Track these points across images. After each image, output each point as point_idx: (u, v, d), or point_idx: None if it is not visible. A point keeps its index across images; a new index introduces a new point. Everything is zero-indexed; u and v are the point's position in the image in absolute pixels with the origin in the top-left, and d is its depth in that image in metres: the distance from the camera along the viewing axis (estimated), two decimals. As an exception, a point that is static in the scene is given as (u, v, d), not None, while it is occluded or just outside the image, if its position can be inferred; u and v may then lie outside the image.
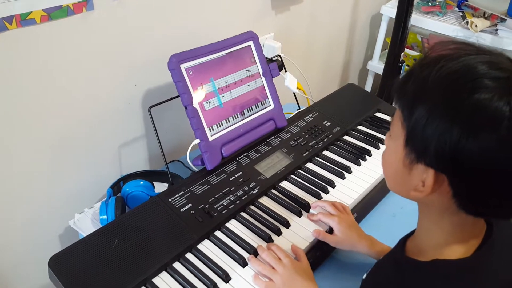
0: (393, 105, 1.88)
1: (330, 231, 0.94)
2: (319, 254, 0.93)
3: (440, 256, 0.58)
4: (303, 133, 1.20)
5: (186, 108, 1.00)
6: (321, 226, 0.95)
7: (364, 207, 1.06)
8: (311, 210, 0.98)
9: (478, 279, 0.57)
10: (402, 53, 1.77)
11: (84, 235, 0.88)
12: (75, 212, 1.05)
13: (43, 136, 1.00)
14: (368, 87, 2.29)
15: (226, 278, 0.82)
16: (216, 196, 0.97)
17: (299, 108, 1.36)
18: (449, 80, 0.50)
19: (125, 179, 1.11)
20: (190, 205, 0.93)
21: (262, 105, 1.16)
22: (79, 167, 1.11)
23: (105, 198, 1.03)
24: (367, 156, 1.18)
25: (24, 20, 0.85)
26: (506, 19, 1.77)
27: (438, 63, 0.52)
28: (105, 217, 0.96)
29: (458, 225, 0.58)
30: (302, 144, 1.17)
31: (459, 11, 1.94)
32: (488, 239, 0.60)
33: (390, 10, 1.96)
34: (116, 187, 1.10)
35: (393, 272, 0.65)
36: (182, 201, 0.94)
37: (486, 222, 0.62)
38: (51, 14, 0.89)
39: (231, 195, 0.98)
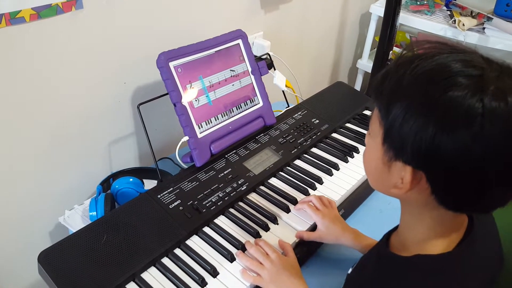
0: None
1: (315, 227, 0.95)
2: (306, 249, 0.94)
3: (422, 251, 0.60)
4: (291, 131, 1.21)
5: (175, 105, 1.01)
6: (309, 218, 0.97)
7: (351, 204, 1.07)
8: (297, 206, 1.00)
9: (459, 273, 0.59)
10: (391, 52, 1.79)
11: (74, 231, 0.89)
12: (65, 209, 1.06)
13: (33, 133, 1.01)
14: (358, 86, 2.31)
15: (214, 273, 0.83)
16: (205, 193, 0.98)
17: (288, 106, 1.37)
18: (424, 78, 0.51)
19: (115, 176, 1.12)
20: (179, 201, 0.94)
21: (251, 102, 1.17)
22: (69, 165, 1.12)
23: (95, 195, 1.04)
24: (354, 153, 1.19)
25: (13, 18, 0.86)
26: (492, 18, 1.79)
27: (413, 63, 0.53)
28: (94, 213, 0.97)
29: (438, 220, 0.60)
30: (290, 141, 1.18)
31: (447, 10, 1.96)
32: (469, 233, 0.61)
33: (379, 9, 1.98)
34: (106, 184, 1.11)
35: (376, 267, 0.66)
36: (171, 198, 0.95)
37: (467, 216, 0.63)
38: (40, 12, 0.89)
39: (219, 192, 0.99)
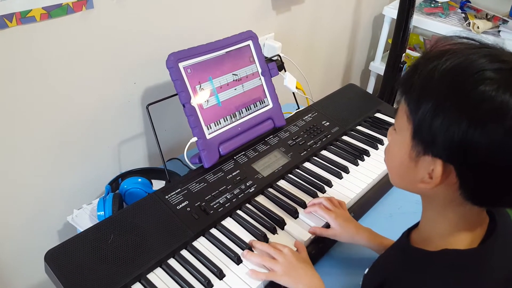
0: (394, 104, 1.88)
1: (327, 226, 0.94)
2: (322, 245, 0.94)
3: (447, 245, 0.60)
4: (301, 133, 1.20)
5: (184, 106, 1.01)
6: (318, 222, 0.96)
7: (361, 207, 1.06)
8: (307, 208, 0.99)
9: (485, 269, 0.59)
10: (404, 54, 1.77)
11: (82, 230, 0.89)
12: (74, 208, 1.06)
13: (43, 132, 1.01)
14: (370, 88, 2.29)
15: (220, 275, 0.83)
16: (212, 194, 0.97)
17: (298, 108, 1.36)
18: (454, 73, 0.52)
19: (124, 176, 1.12)
20: (186, 202, 0.94)
21: (260, 104, 1.16)
22: (79, 164, 1.12)
23: (104, 195, 1.04)
24: (365, 157, 1.18)
25: (24, 17, 0.86)
26: (508, 21, 1.77)
27: (443, 57, 0.53)
28: (102, 213, 0.97)
29: (462, 217, 0.60)
30: (300, 143, 1.17)
31: (461, 13, 1.94)
32: (492, 230, 0.61)
33: (392, 11, 1.96)
34: (114, 184, 1.11)
35: (399, 261, 0.66)
36: (179, 198, 0.94)
37: (488, 215, 0.63)
38: (51, 12, 0.90)
39: (227, 193, 0.98)
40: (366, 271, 0.76)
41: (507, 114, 0.48)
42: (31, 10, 0.87)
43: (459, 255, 0.58)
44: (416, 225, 0.70)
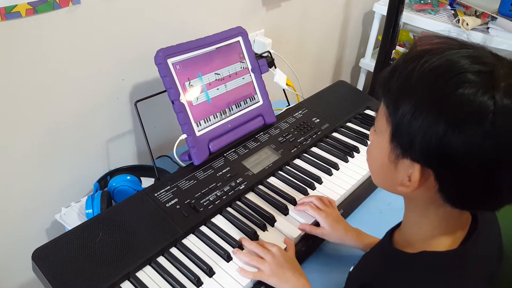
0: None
1: (317, 224, 0.94)
2: (311, 242, 0.94)
3: (427, 248, 0.59)
4: (292, 130, 1.20)
5: (173, 103, 1.00)
6: (308, 219, 0.96)
7: (350, 204, 1.06)
8: (297, 206, 0.98)
9: (465, 269, 0.59)
10: (394, 51, 1.78)
11: (70, 229, 0.88)
12: (62, 206, 1.05)
13: (30, 130, 1.00)
14: (360, 85, 2.29)
15: (210, 272, 0.82)
16: (202, 191, 0.97)
17: (289, 105, 1.36)
18: (433, 75, 0.51)
19: (112, 173, 1.11)
20: (176, 200, 0.93)
21: (250, 101, 1.16)
22: (67, 162, 1.11)
23: (92, 192, 1.03)
24: (355, 153, 1.18)
25: (9, 13, 0.85)
26: (497, 18, 1.77)
27: (422, 58, 0.52)
28: (90, 211, 0.96)
29: (443, 218, 0.59)
30: (290, 140, 1.17)
31: (451, 9, 1.95)
32: (473, 231, 0.61)
33: (382, 8, 1.96)
34: (103, 181, 1.10)
35: (381, 264, 0.66)
36: (168, 196, 0.94)
37: (471, 213, 0.63)
38: (37, 7, 0.88)
39: (217, 191, 0.98)
40: (351, 269, 0.76)
41: (485, 118, 0.47)
42: (16, 5, 0.85)
43: (438, 257, 0.58)
44: (399, 225, 0.70)
